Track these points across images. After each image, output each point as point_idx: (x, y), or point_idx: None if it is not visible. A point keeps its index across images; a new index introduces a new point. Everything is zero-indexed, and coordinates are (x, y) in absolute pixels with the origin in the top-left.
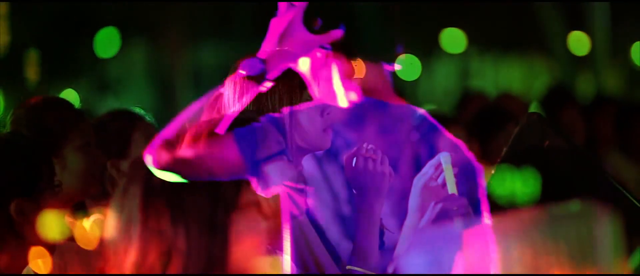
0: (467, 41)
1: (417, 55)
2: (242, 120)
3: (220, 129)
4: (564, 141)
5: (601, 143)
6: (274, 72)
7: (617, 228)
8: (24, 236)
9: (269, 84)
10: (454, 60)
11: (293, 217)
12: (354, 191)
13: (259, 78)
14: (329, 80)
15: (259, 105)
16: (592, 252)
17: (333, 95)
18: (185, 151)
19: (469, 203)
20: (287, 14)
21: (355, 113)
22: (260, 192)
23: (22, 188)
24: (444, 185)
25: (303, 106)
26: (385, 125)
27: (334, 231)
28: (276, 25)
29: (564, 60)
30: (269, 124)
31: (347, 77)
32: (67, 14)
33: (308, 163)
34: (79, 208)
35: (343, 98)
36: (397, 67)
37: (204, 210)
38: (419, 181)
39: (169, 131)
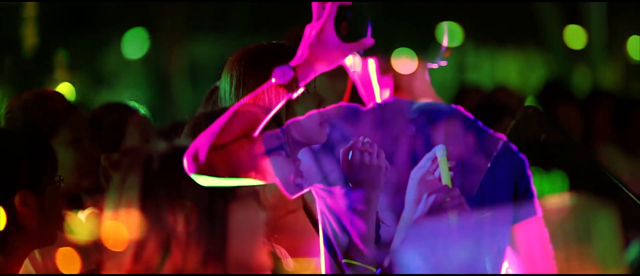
0: (463, 35)
1: (412, 49)
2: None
3: (255, 133)
4: (560, 135)
5: (597, 137)
6: (305, 81)
7: (614, 221)
8: (26, 229)
9: (300, 91)
10: (450, 54)
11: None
12: (350, 184)
13: (289, 86)
14: (367, 77)
15: (256, 99)
16: (588, 244)
17: (370, 92)
18: (222, 156)
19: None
20: (319, 20)
21: (352, 107)
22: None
23: (26, 181)
24: (440, 178)
25: (300, 99)
26: (382, 118)
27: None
28: (310, 32)
29: (560, 54)
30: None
31: (382, 74)
32: (66, 9)
33: (304, 157)
34: (74, 201)
35: (378, 95)
36: (441, 63)
37: (203, 199)
38: (416, 174)
39: (208, 134)
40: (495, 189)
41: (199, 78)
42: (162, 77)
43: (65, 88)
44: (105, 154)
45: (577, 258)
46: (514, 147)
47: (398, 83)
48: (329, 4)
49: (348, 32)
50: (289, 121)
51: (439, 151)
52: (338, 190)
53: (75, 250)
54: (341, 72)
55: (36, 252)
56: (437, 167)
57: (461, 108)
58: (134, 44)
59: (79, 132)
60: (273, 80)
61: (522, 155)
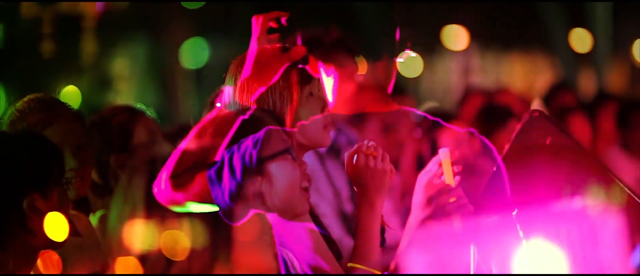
0: (469, 38)
1: (419, 52)
2: (248, 119)
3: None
4: (565, 138)
5: (603, 140)
6: (254, 97)
7: (620, 225)
8: (35, 232)
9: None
10: (456, 57)
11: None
12: (355, 188)
13: (310, 80)
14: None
15: (260, 102)
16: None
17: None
18: (176, 193)
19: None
20: (253, 37)
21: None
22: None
23: (34, 184)
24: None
25: (304, 103)
26: (387, 122)
27: (335, 229)
28: (250, 52)
29: (565, 57)
30: (273, 122)
31: (350, 75)
32: (70, 11)
33: (310, 160)
34: (82, 204)
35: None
36: (401, 59)
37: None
38: (422, 178)
39: (169, 164)
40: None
41: (204, 80)
42: (168, 79)
43: (71, 91)
44: (114, 156)
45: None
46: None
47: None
48: (255, 20)
49: (281, 43)
50: (292, 124)
51: (443, 153)
52: (344, 193)
53: (78, 252)
54: (349, 75)
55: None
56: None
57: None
58: (193, 53)
59: (65, 136)
60: (218, 105)
61: (488, 142)
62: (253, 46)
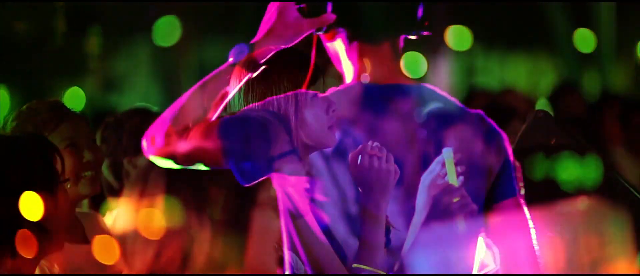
0: (473, 38)
1: (422, 53)
2: (250, 118)
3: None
4: (570, 138)
5: (607, 140)
6: (263, 56)
7: (625, 224)
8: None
9: (260, 69)
10: (460, 58)
11: (292, 217)
12: (360, 189)
13: (248, 63)
14: (337, 58)
15: (265, 103)
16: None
17: (341, 71)
18: (181, 141)
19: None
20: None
21: (362, 111)
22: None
23: (38, 185)
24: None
25: (308, 103)
26: (392, 122)
27: (340, 230)
28: (271, 9)
29: (569, 57)
30: (278, 123)
31: (354, 57)
32: (72, 11)
33: (315, 161)
34: (100, 202)
35: (350, 76)
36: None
37: (228, 203)
38: (426, 179)
39: (166, 117)
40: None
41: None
42: (171, 80)
43: (75, 93)
44: (128, 158)
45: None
46: (489, 120)
47: (366, 64)
48: None
49: (308, 7)
50: (297, 124)
51: (446, 153)
52: (349, 194)
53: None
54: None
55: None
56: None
57: (466, 108)
58: (165, 32)
59: (72, 139)
60: (230, 59)
61: (499, 129)
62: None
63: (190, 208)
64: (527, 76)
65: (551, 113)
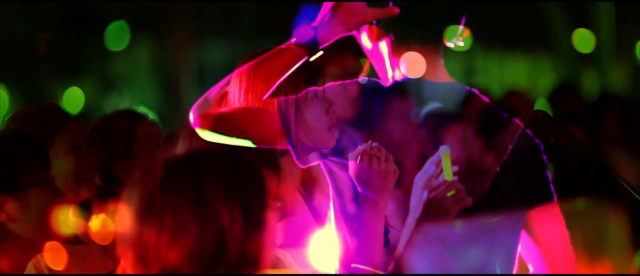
0: (471, 39)
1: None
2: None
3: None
4: (569, 138)
5: (606, 140)
6: (326, 40)
7: (623, 224)
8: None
9: (319, 54)
10: (459, 58)
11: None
12: (359, 189)
13: (310, 46)
14: (380, 55)
15: (265, 103)
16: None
17: (383, 70)
18: (230, 114)
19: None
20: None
21: (362, 112)
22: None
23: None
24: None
25: (309, 103)
26: (392, 123)
27: (339, 229)
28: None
29: (568, 57)
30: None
31: (394, 55)
32: (74, 12)
33: (314, 161)
34: (85, 208)
35: (390, 74)
36: (459, 43)
37: (257, 201)
38: (420, 179)
39: (214, 92)
40: (508, 185)
41: (208, 83)
42: (170, 81)
43: (74, 93)
44: (118, 163)
45: (587, 263)
46: (528, 131)
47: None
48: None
49: None
50: (297, 125)
51: (443, 150)
52: (347, 194)
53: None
54: (352, 77)
55: (40, 258)
56: (441, 171)
57: (477, 92)
58: (115, 37)
59: (76, 142)
60: (293, 40)
61: (537, 140)
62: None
63: (189, 207)
64: (526, 76)
65: (550, 113)
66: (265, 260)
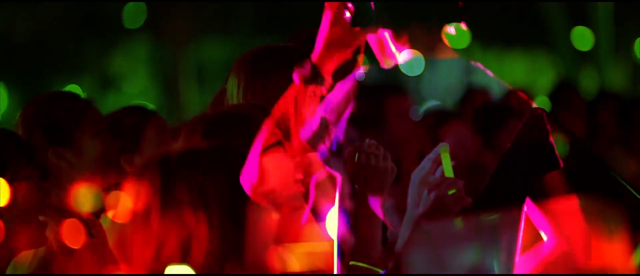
0: (470, 37)
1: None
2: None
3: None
4: (567, 136)
5: (604, 139)
6: (328, 71)
7: (621, 222)
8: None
9: (327, 84)
10: (458, 55)
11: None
12: (356, 187)
13: (313, 80)
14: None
15: (283, 102)
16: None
17: (382, 53)
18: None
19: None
20: (326, 15)
21: (359, 109)
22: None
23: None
24: (442, 174)
25: (307, 103)
26: (390, 120)
27: (338, 227)
28: (324, 21)
29: (567, 55)
30: (265, 116)
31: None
32: (72, 11)
33: (312, 159)
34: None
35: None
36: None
37: (225, 199)
38: (416, 176)
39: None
40: (508, 182)
41: (206, 81)
42: (169, 79)
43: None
44: (124, 156)
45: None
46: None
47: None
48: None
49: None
50: (297, 123)
51: (441, 148)
52: (345, 192)
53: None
54: (349, 73)
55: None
56: (438, 167)
57: (480, 65)
58: (133, 15)
59: (100, 126)
60: (296, 81)
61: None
62: (325, 26)
63: (188, 207)
64: (525, 74)
65: (548, 110)
66: (254, 258)
